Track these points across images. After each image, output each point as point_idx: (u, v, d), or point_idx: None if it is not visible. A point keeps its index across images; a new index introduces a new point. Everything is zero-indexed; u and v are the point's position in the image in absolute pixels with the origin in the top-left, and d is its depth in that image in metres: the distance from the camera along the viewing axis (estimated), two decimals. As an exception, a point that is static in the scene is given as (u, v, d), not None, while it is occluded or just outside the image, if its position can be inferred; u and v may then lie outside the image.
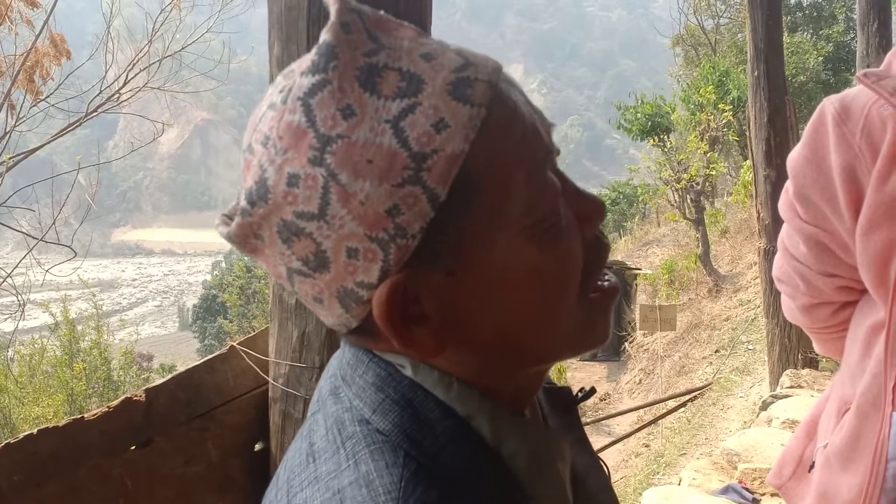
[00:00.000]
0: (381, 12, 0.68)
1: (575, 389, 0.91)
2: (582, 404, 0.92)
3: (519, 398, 0.75)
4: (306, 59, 0.65)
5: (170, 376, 1.96)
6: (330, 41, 0.63)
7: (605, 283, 0.75)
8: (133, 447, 1.83)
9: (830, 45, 21.66)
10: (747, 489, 4.42)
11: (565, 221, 0.69)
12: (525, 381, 0.75)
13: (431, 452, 0.66)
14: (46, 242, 7.90)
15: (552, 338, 0.71)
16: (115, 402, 1.80)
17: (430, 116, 0.62)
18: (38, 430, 1.66)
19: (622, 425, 10.89)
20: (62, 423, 1.69)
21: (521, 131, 0.66)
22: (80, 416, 1.73)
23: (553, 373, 6.64)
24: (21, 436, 1.64)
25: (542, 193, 0.67)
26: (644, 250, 21.56)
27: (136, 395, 1.83)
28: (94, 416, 1.74)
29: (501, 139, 0.65)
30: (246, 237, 0.67)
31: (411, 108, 0.62)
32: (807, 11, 23.80)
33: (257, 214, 0.65)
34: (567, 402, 0.91)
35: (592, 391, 0.92)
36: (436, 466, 0.65)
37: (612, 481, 0.98)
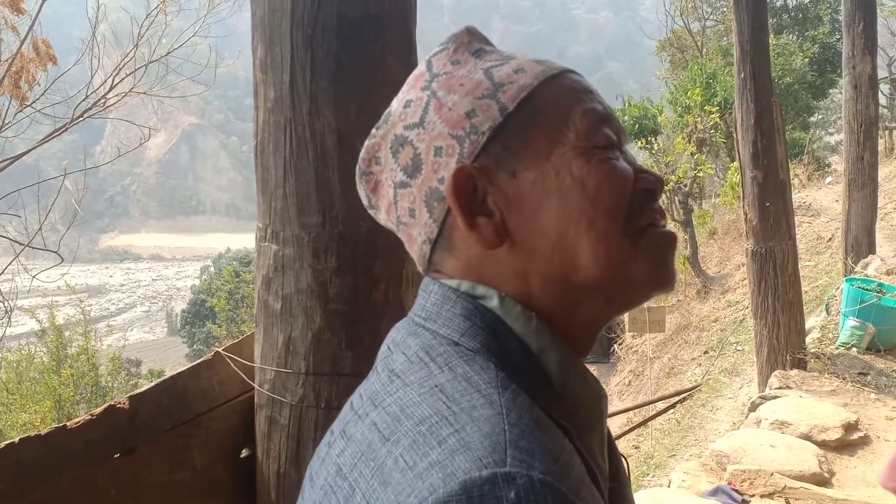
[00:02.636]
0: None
1: None
2: None
3: (579, 341, 0.83)
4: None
5: (154, 383, 1.94)
6: (455, 33, 0.88)
7: (658, 228, 0.82)
8: (117, 455, 1.80)
9: (816, 46, 21.78)
10: (737, 490, 4.42)
11: (616, 158, 0.81)
12: (586, 319, 0.83)
13: (515, 368, 0.75)
14: (33, 248, 7.84)
15: (600, 257, 0.78)
16: (99, 410, 1.77)
17: (513, 67, 0.83)
18: (20, 439, 1.64)
19: (612, 427, 10.87)
20: (45, 431, 1.67)
21: (582, 92, 0.83)
22: (62, 424, 1.71)
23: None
24: (3, 444, 1.62)
25: (594, 130, 0.80)
26: (633, 252, 21.57)
27: (119, 403, 1.81)
28: (77, 424, 1.72)
29: (565, 89, 0.82)
30: (369, 164, 0.88)
31: (502, 63, 0.84)
32: (792, 13, 23.93)
33: (378, 135, 0.87)
34: None
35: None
36: (519, 380, 0.73)
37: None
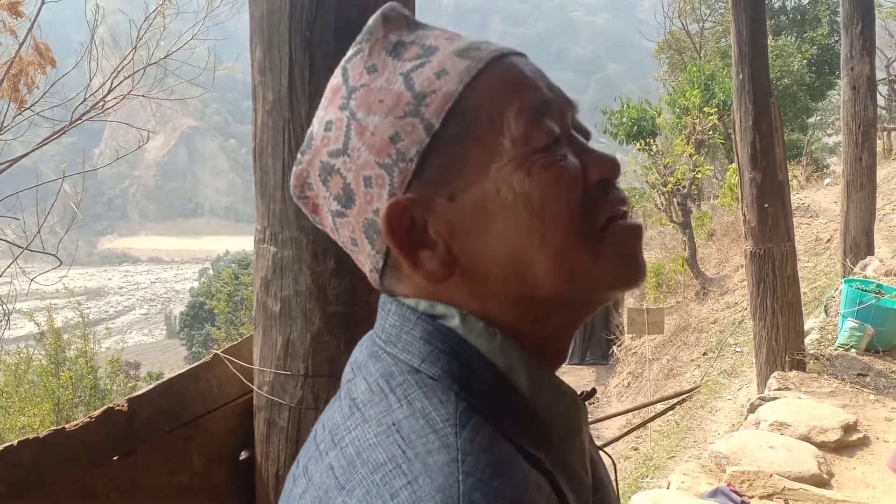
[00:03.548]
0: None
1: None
2: None
3: (550, 353, 0.79)
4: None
5: (152, 385, 1.94)
6: (369, 25, 0.80)
7: (619, 223, 0.77)
8: (116, 458, 1.80)
9: (814, 47, 21.81)
10: (736, 492, 4.42)
11: (562, 161, 0.74)
12: (554, 330, 0.78)
13: (479, 392, 0.71)
14: (32, 251, 7.83)
15: (559, 272, 0.73)
16: (97, 413, 1.77)
17: (434, 68, 0.75)
18: (19, 442, 1.64)
19: (611, 429, 10.89)
20: (43, 433, 1.67)
21: (516, 82, 0.75)
22: (61, 426, 1.71)
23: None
24: (1, 447, 1.62)
25: (532, 131, 0.73)
26: (631, 254, 21.57)
27: (118, 405, 1.81)
28: (75, 426, 1.72)
29: (495, 85, 0.74)
30: (302, 188, 0.83)
31: (422, 64, 0.75)
32: (791, 15, 23.95)
33: (305, 161, 0.81)
34: None
35: (593, 392, 0.93)
36: (484, 406, 0.70)
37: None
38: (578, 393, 0.90)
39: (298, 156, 0.82)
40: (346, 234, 0.79)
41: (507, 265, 0.73)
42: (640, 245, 0.79)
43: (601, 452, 0.92)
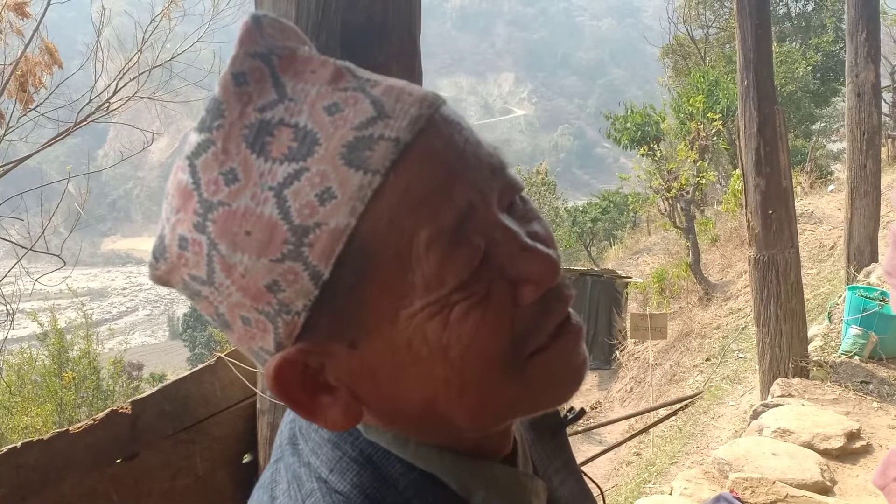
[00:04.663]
0: (304, 49, 0.63)
1: (563, 409, 0.88)
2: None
3: (485, 447, 0.70)
4: (202, 113, 0.61)
5: (156, 388, 1.94)
6: (217, 96, 0.60)
7: (554, 344, 0.64)
8: (119, 460, 1.80)
9: (819, 54, 21.82)
10: (738, 499, 4.41)
11: (486, 290, 0.60)
12: (484, 437, 0.69)
13: (401, 497, 0.64)
14: (36, 252, 7.86)
15: (485, 411, 0.63)
16: (101, 415, 1.77)
17: (315, 185, 0.56)
18: (22, 444, 1.64)
19: (613, 434, 10.88)
20: (47, 436, 1.67)
21: (425, 195, 0.58)
22: (64, 429, 1.71)
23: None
24: (5, 449, 1.62)
25: (448, 264, 0.58)
26: (635, 259, 21.59)
27: (122, 408, 1.81)
28: (79, 428, 1.72)
29: (399, 207, 0.57)
30: (166, 285, 0.65)
31: (298, 173, 0.56)
32: (795, 21, 23.96)
33: (161, 270, 0.63)
34: (554, 426, 0.87)
35: (581, 413, 0.89)
36: None
37: (605, 491, 0.96)
38: (563, 414, 0.88)
39: (152, 259, 0.64)
40: (235, 341, 0.65)
41: (421, 410, 0.63)
42: (581, 351, 0.66)
43: (589, 480, 0.90)
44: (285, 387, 0.60)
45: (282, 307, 0.58)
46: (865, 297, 7.10)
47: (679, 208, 14.77)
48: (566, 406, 0.86)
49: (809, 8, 24.09)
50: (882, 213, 9.04)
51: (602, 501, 0.91)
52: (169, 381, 1.99)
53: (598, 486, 0.91)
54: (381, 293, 0.58)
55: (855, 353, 6.98)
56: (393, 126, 0.58)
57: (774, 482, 4.55)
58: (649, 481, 7.52)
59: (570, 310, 0.66)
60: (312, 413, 0.62)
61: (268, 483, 0.70)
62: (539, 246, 0.62)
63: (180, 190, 0.60)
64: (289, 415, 0.74)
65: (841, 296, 8.23)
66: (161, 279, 0.64)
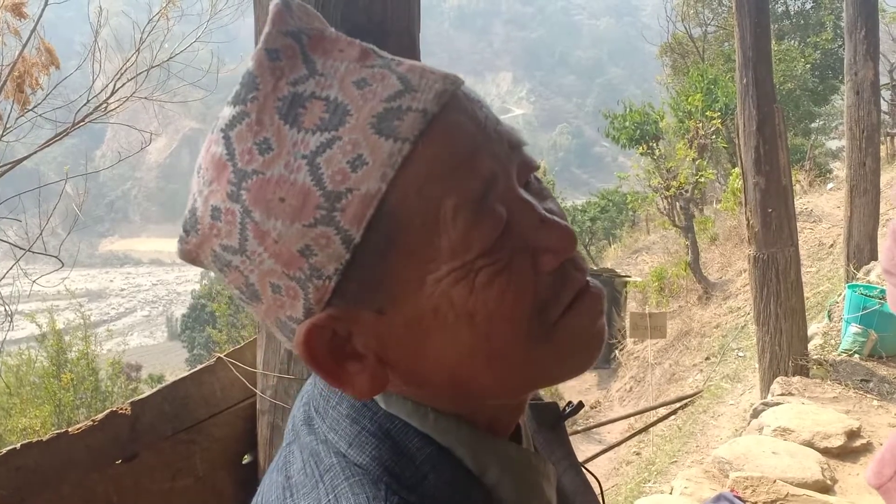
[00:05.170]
0: (331, 30, 0.66)
1: (562, 403, 0.89)
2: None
3: (499, 423, 0.72)
4: (235, 87, 0.64)
5: (156, 389, 1.93)
6: (251, 70, 0.62)
7: (577, 305, 0.67)
8: (119, 461, 1.80)
9: (818, 52, 21.84)
10: (739, 498, 4.41)
11: (508, 258, 0.62)
12: (502, 407, 0.72)
13: (413, 484, 0.64)
14: (33, 253, 7.85)
15: (511, 376, 0.66)
16: (100, 416, 1.77)
17: (347, 152, 0.59)
18: (22, 445, 1.64)
19: (613, 433, 10.89)
20: (46, 437, 1.67)
21: (453, 164, 0.61)
22: (64, 430, 1.70)
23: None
24: (4, 450, 1.61)
25: (474, 231, 0.61)
26: (634, 258, 21.60)
27: (121, 409, 1.80)
28: (78, 429, 1.71)
29: (427, 174, 0.60)
30: (193, 261, 0.68)
31: (330, 142, 0.59)
32: (794, 19, 23.98)
33: (192, 243, 0.65)
34: (554, 418, 0.88)
35: (580, 406, 0.90)
36: (418, 499, 0.64)
37: (605, 490, 0.96)
38: (562, 407, 0.89)
39: (182, 233, 0.66)
40: (261, 316, 0.67)
41: (448, 376, 0.65)
42: (602, 314, 0.70)
43: (588, 474, 0.90)
44: (315, 352, 0.63)
45: (313, 272, 0.60)
46: (865, 296, 7.10)
47: (678, 207, 14.77)
48: (564, 400, 0.90)
49: (808, 6, 24.11)
50: (881, 210, 9.05)
51: (601, 494, 0.91)
52: (168, 382, 1.98)
53: (597, 479, 0.91)
54: (408, 259, 0.61)
55: (855, 352, 6.98)
56: (420, 98, 0.61)
57: (775, 481, 4.55)
58: (649, 480, 7.52)
59: (589, 278, 0.69)
60: (340, 380, 0.64)
61: (282, 465, 0.71)
62: (556, 218, 0.66)
63: (214, 162, 0.63)
64: (301, 398, 0.75)
65: (841, 294, 8.23)
66: (190, 254, 0.67)
